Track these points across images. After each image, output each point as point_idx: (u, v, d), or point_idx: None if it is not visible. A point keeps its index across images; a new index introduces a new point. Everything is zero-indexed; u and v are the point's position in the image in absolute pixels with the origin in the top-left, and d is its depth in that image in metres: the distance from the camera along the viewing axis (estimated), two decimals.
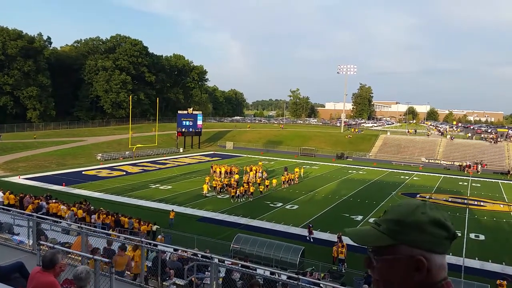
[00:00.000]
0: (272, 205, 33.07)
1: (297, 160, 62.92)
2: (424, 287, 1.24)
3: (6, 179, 40.05)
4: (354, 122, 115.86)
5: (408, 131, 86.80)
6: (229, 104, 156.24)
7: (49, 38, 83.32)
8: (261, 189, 37.46)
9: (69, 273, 7.09)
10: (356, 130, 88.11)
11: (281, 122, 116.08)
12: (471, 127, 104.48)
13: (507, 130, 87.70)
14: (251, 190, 35.30)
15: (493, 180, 51.69)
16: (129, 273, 10.38)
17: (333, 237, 24.60)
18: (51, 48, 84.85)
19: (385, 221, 1.31)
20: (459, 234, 27.50)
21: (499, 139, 70.04)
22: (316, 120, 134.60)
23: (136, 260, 10.57)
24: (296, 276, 8.97)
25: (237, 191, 35.09)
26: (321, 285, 13.92)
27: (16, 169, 45.73)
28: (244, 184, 36.23)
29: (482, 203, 37.13)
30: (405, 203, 1.34)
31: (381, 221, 1.32)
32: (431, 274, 1.24)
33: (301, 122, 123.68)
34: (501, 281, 17.68)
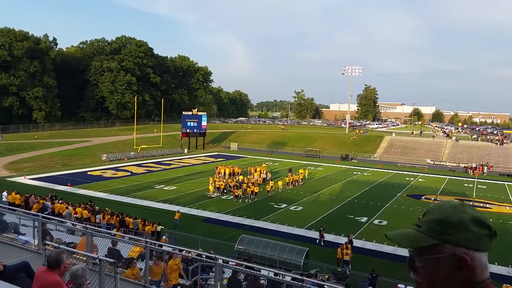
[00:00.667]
0: (276, 206, 33.04)
1: (302, 162, 62.85)
2: (467, 286, 1.25)
3: (11, 179, 40.29)
4: (359, 124, 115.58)
5: (414, 133, 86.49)
6: (234, 105, 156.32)
7: (55, 39, 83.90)
8: (268, 189, 37.62)
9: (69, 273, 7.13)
10: (361, 132, 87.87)
11: (283, 123, 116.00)
12: (477, 128, 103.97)
13: None
14: (255, 190, 35.38)
15: (499, 182, 51.34)
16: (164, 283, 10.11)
17: (338, 239, 24.58)
18: (57, 49, 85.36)
19: (427, 222, 1.32)
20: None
21: (505, 141, 69.62)
22: (320, 121, 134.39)
23: (170, 271, 10.31)
24: (301, 277, 8.95)
25: (243, 192, 35.31)
26: (325, 286, 13.88)
27: (21, 169, 45.99)
28: (251, 185, 36.27)
29: (488, 205, 36.91)
30: (444, 203, 1.34)
31: (422, 222, 1.34)
32: (475, 273, 1.24)
33: (306, 123, 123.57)
34: (507, 285, 17.54)
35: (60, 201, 26.67)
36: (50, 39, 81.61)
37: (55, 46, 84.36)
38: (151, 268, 9.29)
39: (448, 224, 1.28)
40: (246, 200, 34.61)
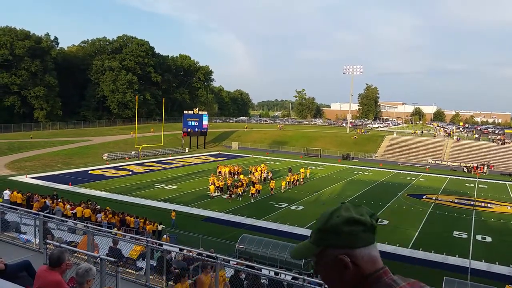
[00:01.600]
0: (277, 205, 33.05)
1: (303, 161, 62.82)
2: (359, 280, 1.36)
3: (13, 178, 40.36)
4: (360, 123, 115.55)
5: (415, 132, 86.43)
6: (235, 105, 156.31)
7: (56, 38, 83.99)
8: (271, 186, 37.76)
9: (74, 272, 7.14)
10: (362, 131, 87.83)
11: (280, 122, 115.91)
12: (478, 128, 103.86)
13: None
14: (259, 188, 35.52)
15: (500, 182, 51.29)
16: None
17: None
18: (58, 48, 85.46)
19: (312, 232, 1.45)
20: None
21: (506, 140, 69.52)
22: (321, 121, 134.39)
23: (221, 281, 9.70)
24: (301, 276, 8.95)
25: (244, 191, 35.41)
26: (325, 286, 13.88)
27: (23, 168, 46.07)
28: (256, 185, 36.41)
29: (489, 205, 36.87)
30: (325, 212, 1.47)
31: (311, 232, 1.46)
32: (361, 267, 1.37)
33: (307, 122, 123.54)
34: (510, 286, 17.52)
35: (60, 200, 26.69)
36: (52, 38, 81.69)
37: (56, 45, 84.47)
38: (200, 278, 9.05)
39: (324, 230, 1.40)
40: (253, 200, 34.66)
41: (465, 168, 60.11)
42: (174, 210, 27.61)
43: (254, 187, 35.69)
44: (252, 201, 34.40)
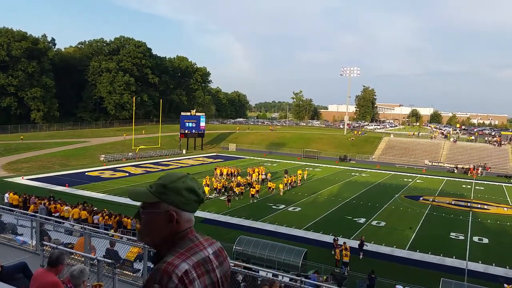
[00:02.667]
0: (274, 207, 33.03)
1: (300, 162, 62.89)
2: (174, 233, 1.74)
3: (9, 179, 40.19)
4: (357, 125, 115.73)
5: (413, 134, 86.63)
6: (232, 106, 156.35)
7: (53, 39, 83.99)
8: (270, 186, 37.96)
9: (67, 272, 7.13)
10: (359, 133, 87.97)
11: (271, 124, 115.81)
12: (474, 129, 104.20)
13: (511, 133, 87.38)
14: (258, 188, 35.52)
15: (497, 183, 51.45)
16: None
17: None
18: (55, 49, 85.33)
19: (155, 185, 1.78)
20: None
21: (503, 142, 69.78)
22: (319, 122, 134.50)
23: None
24: (298, 278, 8.94)
25: (242, 192, 35.58)
26: (323, 287, 13.88)
27: (19, 169, 45.89)
28: (256, 186, 36.52)
29: (485, 206, 36.96)
30: (173, 173, 1.82)
31: (153, 184, 1.79)
32: (179, 224, 1.74)
33: (304, 124, 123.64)
34: (510, 286, 17.56)
35: (57, 201, 26.59)
36: (49, 39, 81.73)
37: (53, 46, 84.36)
38: None
39: (168, 188, 1.74)
40: (251, 201, 34.70)
41: (455, 169, 60.74)
42: None
43: (254, 188, 35.77)
44: (252, 201, 34.49)
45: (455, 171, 60.37)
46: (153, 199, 1.74)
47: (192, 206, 1.79)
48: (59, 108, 78.81)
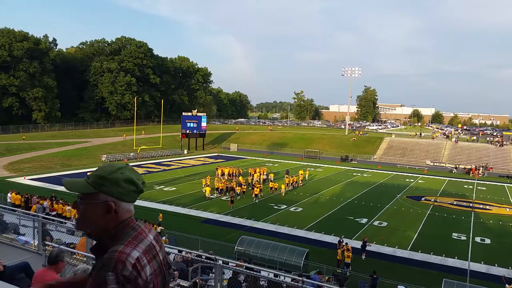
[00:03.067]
0: (276, 207, 33.02)
1: (302, 163, 62.86)
2: (115, 223, 1.79)
3: (11, 179, 40.26)
4: (358, 125, 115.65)
5: (415, 134, 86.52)
6: (234, 106, 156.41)
7: (54, 39, 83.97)
8: (271, 186, 38.12)
9: (70, 272, 7.12)
10: (361, 133, 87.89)
11: (272, 123, 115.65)
12: (477, 130, 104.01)
13: None
14: (256, 192, 35.42)
15: (499, 184, 51.35)
16: None
17: (337, 240, 24.51)
18: (56, 49, 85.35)
19: (93, 176, 1.81)
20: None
21: (504, 142, 69.65)
22: (320, 123, 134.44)
23: None
24: (300, 278, 8.92)
25: (244, 192, 35.88)
26: (325, 287, 13.85)
27: (21, 169, 45.95)
28: (259, 186, 36.60)
29: (487, 207, 36.89)
30: (111, 164, 1.84)
31: (91, 175, 1.82)
32: (118, 215, 1.79)
33: (306, 124, 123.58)
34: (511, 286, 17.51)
35: (59, 201, 26.61)
36: (50, 39, 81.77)
37: (55, 47, 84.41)
38: None
39: (106, 179, 1.77)
40: (255, 200, 34.81)
41: (454, 169, 60.76)
42: (161, 212, 27.61)
43: (257, 188, 35.85)
44: (255, 201, 34.66)
45: (454, 171, 60.34)
46: (91, 190, 1.78)
47: (131, 197, 1.85)
48: (61, 108, 78.88)
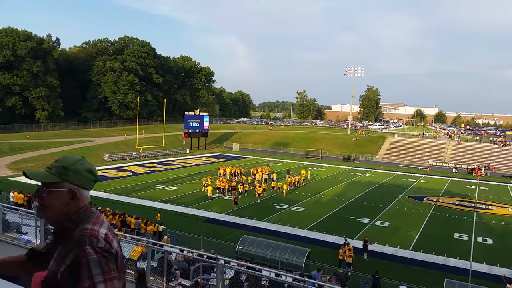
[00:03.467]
0: (278, 207, 33.03)
1: (304, 162, 62.85)
2: (74, 209, 1.99)
3: (14, 178, 40.40)
4: (361, 124, 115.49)
5: (417, 134, 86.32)
6: (236, 106, 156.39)
7: (57, 39, 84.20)
8: (273, 185, 38.29)
9: None
10: (363, 132, 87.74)
11: (274, 123, 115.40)
12: (481, 129, 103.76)
13: None
14: (259, 192, 35.51)
15: (502, 184, 51.20)
16: None
17: (339, 240, 24.55)
18: (59, 49, 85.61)
19: (55, 167, 2.01)
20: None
21: (508, 142, 69.42)
22: (323, 122, 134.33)
23: None
24: (302, 278, 8.94)
25: (246, 191, 36.27)
26: (326, 287, 13.86)
27: (24, 169, 45.74)
28: (263, 185, 36.85)
29: (490, 207, 36.79)
30: (69, 156, 2.09)
31: (53, 166, 2.02)
32: (79, 201, 2.00)
33: (308, 124, 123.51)
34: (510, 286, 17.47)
35: None
36: (53, 39, 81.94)
37: (58, 46, 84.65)
38: None
39: (69, 169, 1.99)
40: (258, 199, 34.95)
41: (455, 169, 60.68)
42: (163, 212, 27.65)
43: (261, 187, 36.05)
44: (259, 200, 34.82)
45: (455, 171, 60.17)
46: (56, 179, 1.97)
47: (90, 185, 2.07)
48: (64, 107, 79.07)
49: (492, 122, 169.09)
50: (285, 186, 38.16)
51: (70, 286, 1.82)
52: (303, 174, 45.36)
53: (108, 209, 26.08)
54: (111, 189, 37.26)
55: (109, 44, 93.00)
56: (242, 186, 36.64)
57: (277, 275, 11.27)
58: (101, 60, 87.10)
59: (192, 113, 71.50)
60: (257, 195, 35.32)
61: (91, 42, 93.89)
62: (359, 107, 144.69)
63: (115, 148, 63.33)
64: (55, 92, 76.74)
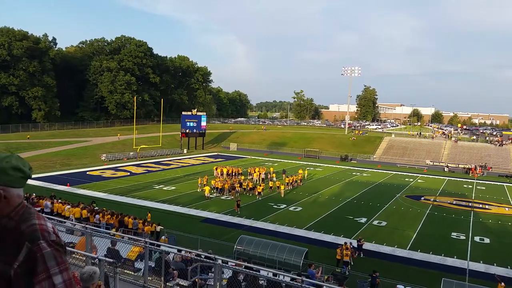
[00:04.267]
0: (275, 207, 33.03)
1: (301, 162, 62.89)
2: (8, 208, 1.92)
3: None
4: (358, 124, 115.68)
5: (412, 133, 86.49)
6: (233, 106, 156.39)
7: (54, 39, 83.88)
8: (271, 185, 38.43)
9: (78, 274, 7.11)
10: (360, 132, 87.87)
11: (264, 123, 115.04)
12: (479, 129, 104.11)
13: None
14: (259, 190, 35.66)
15: (498, 183, 51.37)
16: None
17: (337, 239, 24.57)
18: (56, 49, 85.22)
19: None
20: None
21: (504, 142, 69.67)
22: (320, 122, 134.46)
23: None
24: (299, 277, 8.93)
25: (245, 189, 36.64)
26: (324, 287, 13.86)
27: None
28: (262, 184, 37.15)
29: (487, 206, 36.91)
30: None
31: None
32: (12, 200, 1.93)
33: (305, 123, 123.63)
34: (502, 285, 17.51)
35: (58, 200, 26.64)
36: (50, 38, 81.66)
37: (54, 46, 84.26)
38: None
39: None
40: (258, 198, 35.21)
41: (446, 168, 61.05)
42: (149, 211, 27.56)
43: (259, 186, 36.31)
44: (259, 199, 35.12)
45: (446, 170, 60.56)
46: None
47: (19, 182, 1.97)
48: (60, 107, 78.79)
49: (488, 122, 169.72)
50: (282, 187, 38.13)
51: (25, 281, 1.82)
52: (301, 174, 45.39)
53: (104, 208, 26.02)
54: (108, 189, 37.17)
55: (105, 43, 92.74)
56: (239, 185, 36.70)
57: (275, 274, 11.26)
58: (98, 59, 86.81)
59: (189, 113, 71.41)
60: (256, 193, 35.48)
61: (88, 42, 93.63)
62: (356, 107, 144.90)
63: (112, 148, 63.18)
64: (52, 92, 76.45)
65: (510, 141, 70.91)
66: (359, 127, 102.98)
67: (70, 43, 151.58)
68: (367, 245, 23.63)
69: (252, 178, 42.41)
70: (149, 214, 26.53)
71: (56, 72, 78.47)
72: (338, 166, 60.62)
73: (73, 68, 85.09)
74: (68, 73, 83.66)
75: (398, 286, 17.06)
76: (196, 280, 10.42)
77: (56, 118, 77.37)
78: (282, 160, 63.91)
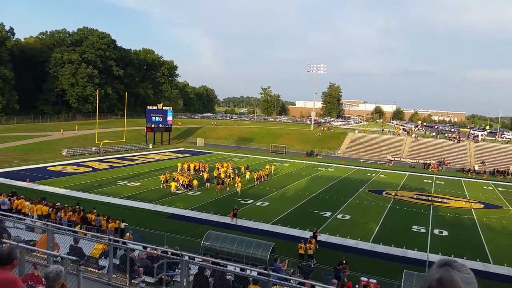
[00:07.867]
0: (243, 202, 33.09)
1: (268, 157, 63.23)
2: None
3: None
4: (323, 120, 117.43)
5: (366, 129, 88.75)
6: (200, 101, 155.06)
7: (12, 28, 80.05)
8: (238, 181, 37.91)
9: (31, 269, 6.85)
10: (326, 128, 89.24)
11: (214, 118, 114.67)
12: (435, 126, 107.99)
13: (469, 130, 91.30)
14: (227, 181, 35.98)
15: (456, 178, 53.54)
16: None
17: (303, 233, 24.91)
18: (14, 39, 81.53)
19: None
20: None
21: (462, 139, 72.67)
22: (286, 118, 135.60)
23: None
24: (267, 272, 9.00)
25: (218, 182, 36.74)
26: (291, 281, 14.03)
27: None
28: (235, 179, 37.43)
29: (445, 200, 38.43)
30: None
31: None
32: None
33: (272, 119, 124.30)
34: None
35: (22, 197, 25.60)
36: (7, 28, 77.90)
37: (12, 36, 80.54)
38: None
39: None
40: (239, 194, 35.47)
41: (390, 162, 63.31)
42: (94, 207, 25.67)
43: (233, 179, 37.00)
44: (239, 193, 35.08)
45: (390, 165, 62.49)
46: None
47: None
48: (19, 100, 75.60)
49: (447, 119, 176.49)
50: (239, 184, 36.85)
51: None
52: (267, 169, 45.67)
53: (66, 205, 25.22)
54: (69, 185, 36.06)
55: (67, 35, 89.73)
56: (229, 178, 37.47)
57: (242, 269, 11.30)
58: (59, 51, 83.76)
59: (154, 108, 70.22)
60: (238, 189, 35.86)
61: (48, 33, 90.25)
62: (322, 103, 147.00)
63: (74, 143, 61.27)
64: (9, 84, 73.18)
65: (474, 138, 74.01)
66: (326, 123, 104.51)
67: (29, 34, 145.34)
68: (332, 239, 24.09)
69: (219, 174, 42.27)
70: (94, 210, 24.89)
71: (14, 64, 75.16)
72: (304, 162, 61.39)
73: (33, 60, 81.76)
74: (27, 65, 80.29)
75: (362, 278, 17.50)
76: (162, 276, 10.30)
77: (14, 112, 74.23)
78: (250, 156, 64.03)
